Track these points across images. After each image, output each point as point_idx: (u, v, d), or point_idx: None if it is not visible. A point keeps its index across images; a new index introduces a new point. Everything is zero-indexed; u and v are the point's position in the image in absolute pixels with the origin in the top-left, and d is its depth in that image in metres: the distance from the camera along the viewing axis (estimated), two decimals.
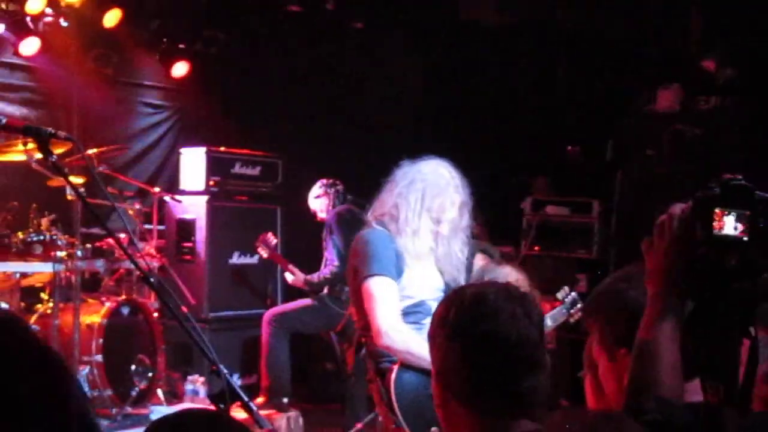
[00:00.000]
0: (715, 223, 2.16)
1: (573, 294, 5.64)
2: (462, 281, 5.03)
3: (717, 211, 2.17)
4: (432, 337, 2.67)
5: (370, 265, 4.88)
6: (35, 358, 2.10)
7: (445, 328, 2.61)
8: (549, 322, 5.39)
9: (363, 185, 8.77)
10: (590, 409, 2.71)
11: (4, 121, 4.42)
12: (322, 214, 8.71)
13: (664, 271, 2.26)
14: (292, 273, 8.48)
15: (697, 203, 2.21)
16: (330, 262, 8.38)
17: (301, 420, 8.08)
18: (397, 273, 4.93)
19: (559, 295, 5.60)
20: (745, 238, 2.16)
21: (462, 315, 2.58)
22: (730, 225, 2.16)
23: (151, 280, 4.04)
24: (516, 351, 2.52)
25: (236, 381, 3.71)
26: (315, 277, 8.32)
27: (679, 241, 2.23)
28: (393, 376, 4.76)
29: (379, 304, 4.79)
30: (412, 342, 4.69)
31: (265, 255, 8.60)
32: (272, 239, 8.59)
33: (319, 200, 8.74)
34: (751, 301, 2.27)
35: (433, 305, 4.21)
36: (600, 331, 2.76)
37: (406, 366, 4.71)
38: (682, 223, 2.24)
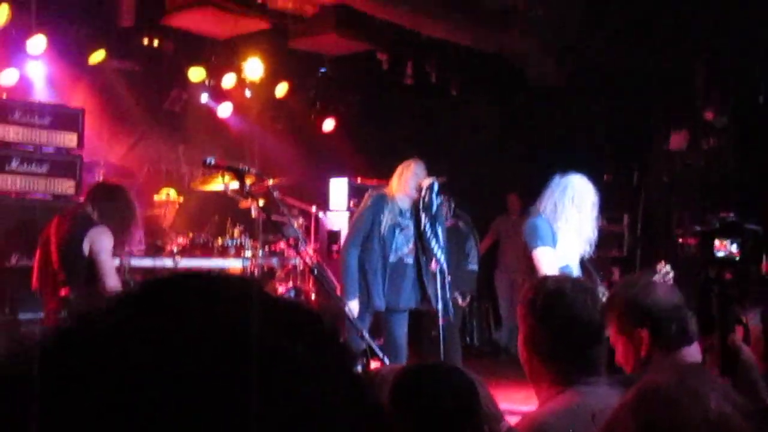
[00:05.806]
0: (717, 248, 2.24)
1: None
2: (585, 253, 5.41)
3: (716, 241, 2.24)
4: (521, 316, 2.62)
5: (537, 239, 5.23)
6: None
7: (535, 312, 2.56)
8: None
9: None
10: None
11: (213, 161, 4.59)
12: None
13: None
14: None
15: (702, 235, 2.29)
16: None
17: None
18: (553, 244, 5.25)
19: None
20: (737, 258, 2.24)
21: (547, 303, 2.55)
22: (730, 249, 2.23)
23: (315, 272, 4.18)
24: (584, 329, 2.51)
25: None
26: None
27: None
28: None
29: (544, 265, 5.12)
30: None
31: None
32: None
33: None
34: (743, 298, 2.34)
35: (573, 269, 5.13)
36: (616, 322, 2.79)
37: None
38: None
